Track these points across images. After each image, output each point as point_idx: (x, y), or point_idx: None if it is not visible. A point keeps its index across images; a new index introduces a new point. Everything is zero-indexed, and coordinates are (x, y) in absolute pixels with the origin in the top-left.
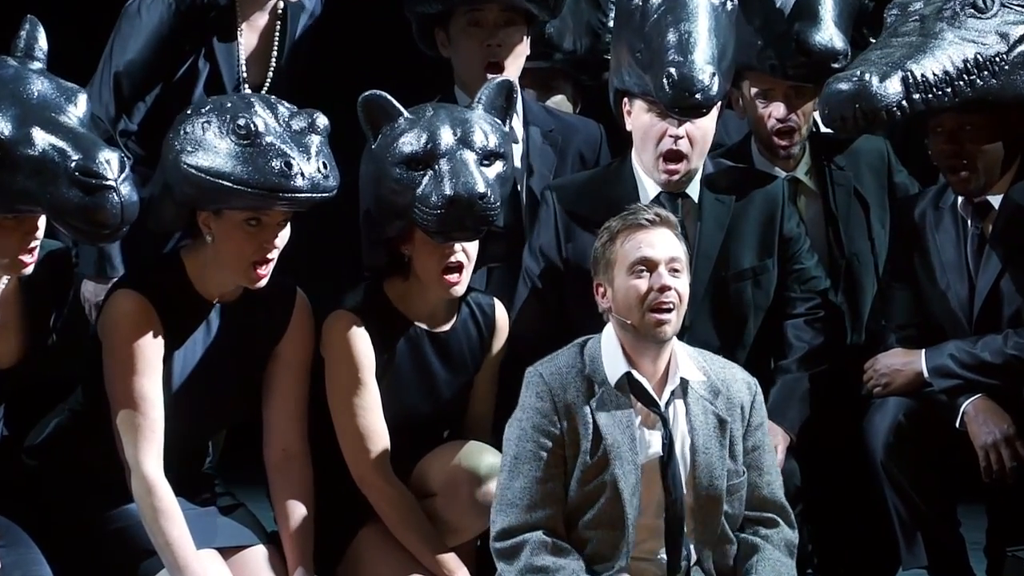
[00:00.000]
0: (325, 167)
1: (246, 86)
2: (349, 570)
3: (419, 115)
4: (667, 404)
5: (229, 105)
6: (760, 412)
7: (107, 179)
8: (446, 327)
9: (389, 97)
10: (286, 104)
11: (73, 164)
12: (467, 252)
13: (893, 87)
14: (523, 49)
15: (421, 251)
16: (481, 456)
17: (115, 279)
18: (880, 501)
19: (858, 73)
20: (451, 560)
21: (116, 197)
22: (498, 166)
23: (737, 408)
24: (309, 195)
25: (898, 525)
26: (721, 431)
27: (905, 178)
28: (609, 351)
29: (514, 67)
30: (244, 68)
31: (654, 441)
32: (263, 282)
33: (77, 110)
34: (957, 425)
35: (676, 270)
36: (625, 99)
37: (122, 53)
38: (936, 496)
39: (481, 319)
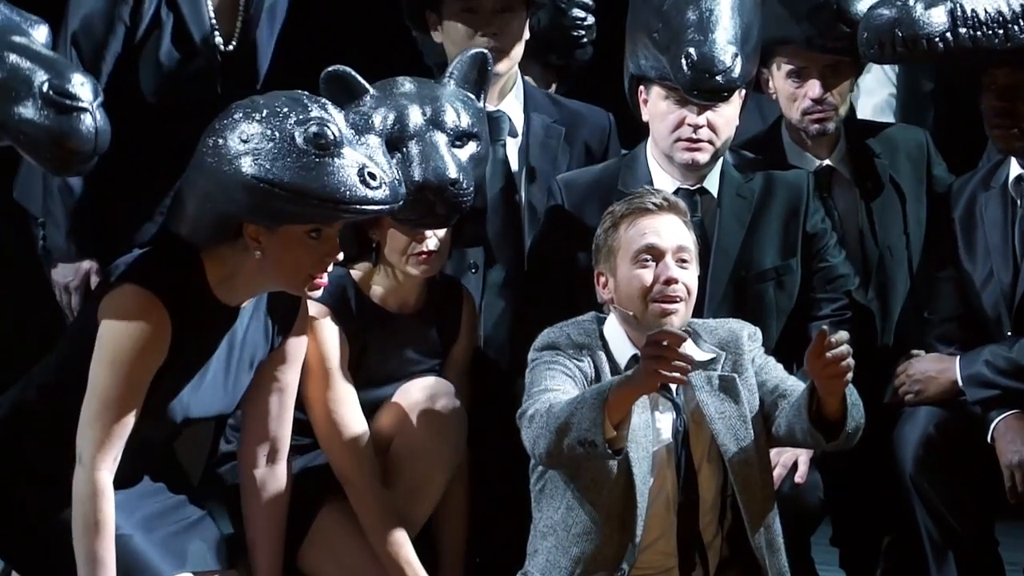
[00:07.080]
0: (397, 171)
1: (217, 35)
2: (310, 555)
3: (386, 92)
4: (676, 388)
5: (286, 109)
6: (755, 344)
7: (82, 100)
8: (415, 312)
9: (353, 73)
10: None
11: (46, 83)
12: (439, 238)
13: (938, 16)
14: (522, 36)
15: (391, 238)
16: (433, 379)
17: (108, 266)
18: (909, 518)
19: None
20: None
21: (91, 120)
22: (471, 147)
23: (741, 357)
24: (391, 206)
25: (928, 545)
26: (730, 390)
27: (944, 172)
28: (615, 339)
29: (515, 55)
30: (214, 17)
31: (664, 427)
32: (321, 291)
33: (39, 37)
34: (989, 440)
35: (684, 260)
36: (641, 86)
37: (77, 9)
38: (970, 514)
39: (451, 303)
